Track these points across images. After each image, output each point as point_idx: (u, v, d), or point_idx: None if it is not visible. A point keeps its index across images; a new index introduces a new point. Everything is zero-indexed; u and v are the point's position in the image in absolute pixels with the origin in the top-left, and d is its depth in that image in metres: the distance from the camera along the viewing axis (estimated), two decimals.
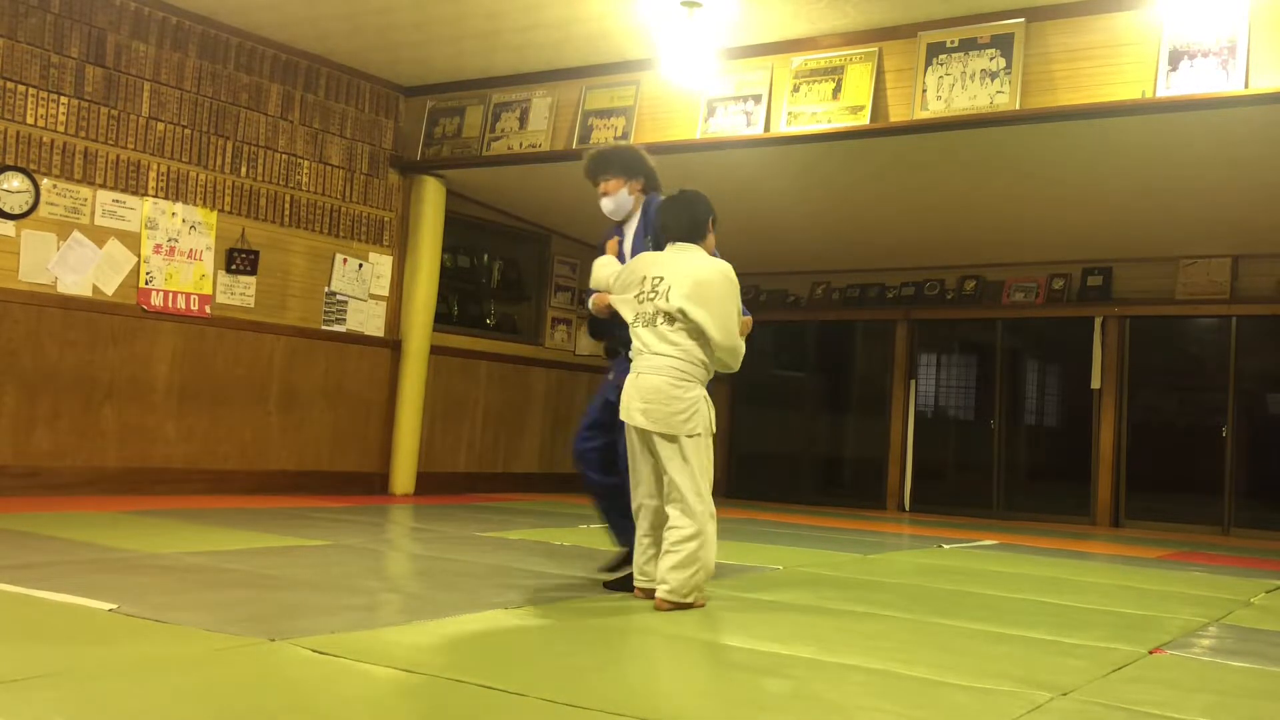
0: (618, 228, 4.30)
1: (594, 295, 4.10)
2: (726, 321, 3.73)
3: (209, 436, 7.61)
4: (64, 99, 6.88)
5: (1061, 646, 3.32)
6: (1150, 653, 3.28)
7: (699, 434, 3.70)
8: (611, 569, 4.18)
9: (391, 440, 8.63)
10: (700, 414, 3.70)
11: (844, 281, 10.96)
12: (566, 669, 2.68)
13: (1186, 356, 10.21)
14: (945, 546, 6.70)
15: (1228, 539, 8.94)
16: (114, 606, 3.13)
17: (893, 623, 3.66)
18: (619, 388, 3.88)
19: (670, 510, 3.69)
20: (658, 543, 3.76)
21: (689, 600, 3.64)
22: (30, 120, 6.73)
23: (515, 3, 6.91)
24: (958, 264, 10.31)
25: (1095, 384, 9.75)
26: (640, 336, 3.75)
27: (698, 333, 3.70)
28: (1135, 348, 9.79)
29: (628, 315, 3.82)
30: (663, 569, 3.64)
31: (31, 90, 6.74)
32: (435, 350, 8.90)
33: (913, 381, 10.65)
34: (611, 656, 2.89)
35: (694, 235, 3.84)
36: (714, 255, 3.91)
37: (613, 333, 4.14)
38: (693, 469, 3.67)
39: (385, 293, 8.71)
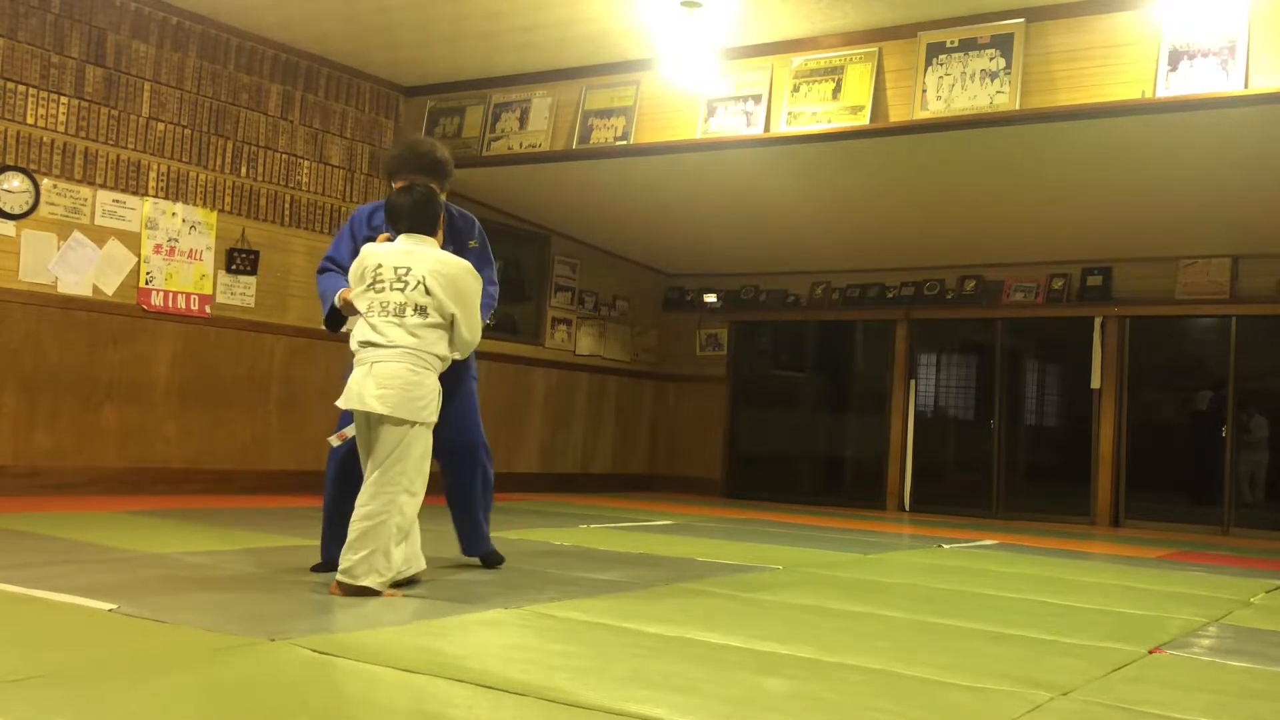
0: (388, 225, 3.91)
1: (342, 291, 3.89)
2: (474, 317, 3.77)
3: (209, 436, 7.61)
4: (64, 99, 6.88)
5: (1061, 646, 3.32)
6: (1150, 653, 3.28)
7: (432, 423, 3.68)
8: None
9: None
10: (434, 404, 3.67)
11: (844, 281, 10.96)
12: (566, 669, 2.68)
13: (1186, 356, 10.21)
14: (945, 546, 6.70)
15: (1227, 539, 8.94)
16: (114, 606, 3.13)
17: (893, 623, 3.66)
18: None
19: (365, 489, 3.59)
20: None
21: (364, 584, 3.52)
22: (30, 120, 6.73)
23: (515, 3, 6.92)
24: (958, 264, 10.31)
25: (1095, 384, 9.75)
26: (377, 328, 3.61)
27: (446, 326, 3.68)
28: (1135, 348, 9.79)
29: (361, 306, 3.68)
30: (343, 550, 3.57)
31: (31, 90, 6.74)
32: None
33: (913, 381, 10.65)
34: (610, 656, 2.89)
35: (429, 228, 3.80)
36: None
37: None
38: (415, 458, 3.62)
39: None
